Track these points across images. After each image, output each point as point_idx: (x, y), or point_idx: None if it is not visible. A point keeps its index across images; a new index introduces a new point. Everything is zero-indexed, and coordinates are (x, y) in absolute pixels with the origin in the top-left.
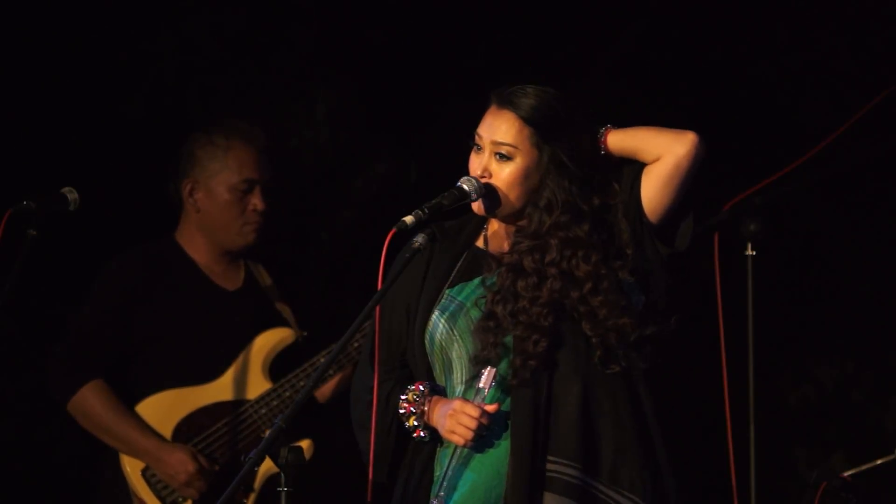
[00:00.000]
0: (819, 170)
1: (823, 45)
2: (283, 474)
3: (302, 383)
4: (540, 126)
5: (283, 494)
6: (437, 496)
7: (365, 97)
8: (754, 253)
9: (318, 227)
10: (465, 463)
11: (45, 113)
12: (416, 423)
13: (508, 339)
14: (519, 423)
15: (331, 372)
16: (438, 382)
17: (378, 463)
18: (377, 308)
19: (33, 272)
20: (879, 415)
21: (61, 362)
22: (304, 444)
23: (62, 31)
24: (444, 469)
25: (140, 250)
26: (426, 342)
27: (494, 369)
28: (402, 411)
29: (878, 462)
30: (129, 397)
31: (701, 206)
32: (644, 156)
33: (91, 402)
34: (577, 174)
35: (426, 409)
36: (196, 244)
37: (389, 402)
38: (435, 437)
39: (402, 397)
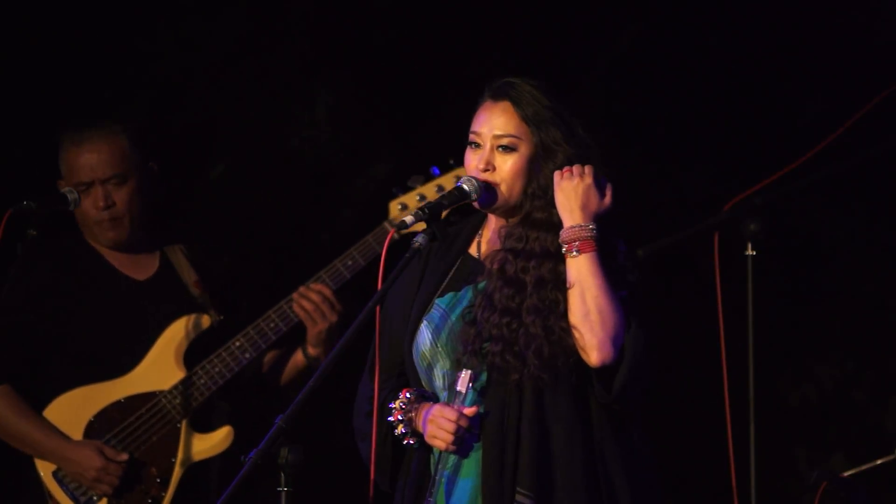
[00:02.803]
0: (819, 170)
1: (823, 44)
2: (282, 474)
3: (217, 369)
4: (536, 115)
5: (283, 494)
6: (426, 501)
7: (365, 97)
8: (754, 253)
9: (318, 227)
10: (454, 468)
11: (45, 113)
12: (404, 431)
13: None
14: (488, 439)
15: (247, 355)
16: (427, 389)
17: (378, 471)
18: (377, 310)
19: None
20: (879, 415)
21: None
22: (223, 431)
23: (62, 31)
24: (433, 474)
25: (43, 248)
26: (413, 350)
27: (470, 371)
28: (390, 419)
29: (878, 462)
30: (42, 397)
31: None
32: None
33: None
34: (567, 162)
35: (413, 416)
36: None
37: (384, 411)
38: (425, 443)
39: (391, 405)
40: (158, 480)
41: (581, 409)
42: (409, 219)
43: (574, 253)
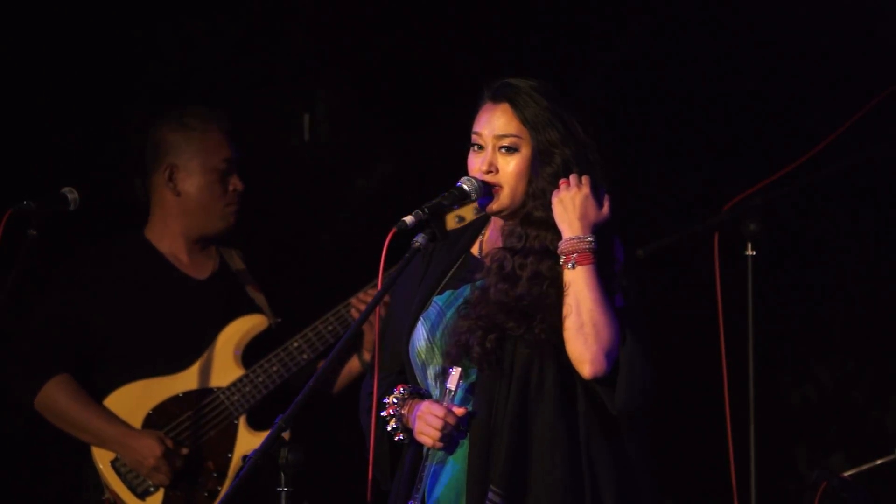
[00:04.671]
0: (819, 170)
1: (824, 45)
2: (283, 474)
3: (275, 368)
4: (535, 117)
5: (282, 494)
6: (412, 497)
7: (365, 97)
8: (754, 253)
9: (318, 227)
10: (441, 463)
11: (45, 113)
12: (395, 426)
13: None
14: (475, 438)
15: (304, 356)
16: (422, 386)
17: (377, 468)
18: (377, 310)
19: (33, 272)
20: (879, 415)
21: (23, 360)
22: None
23: (62, 31)
24: (419, 471)
25: (101, 245)
26: (410, 348)
27: (460, 369)
28: (383, 414)
29: (878, 462)
30: (99, 391)
31: None
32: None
33: (56, 397)
34: (565, 163)
35: (404, 412)
36: (168, 234)
37: (380, 407)
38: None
39: (385, 401)
40: (215, 475)
41: (567, 413)
42: (409, 219)
43: (571, 265)
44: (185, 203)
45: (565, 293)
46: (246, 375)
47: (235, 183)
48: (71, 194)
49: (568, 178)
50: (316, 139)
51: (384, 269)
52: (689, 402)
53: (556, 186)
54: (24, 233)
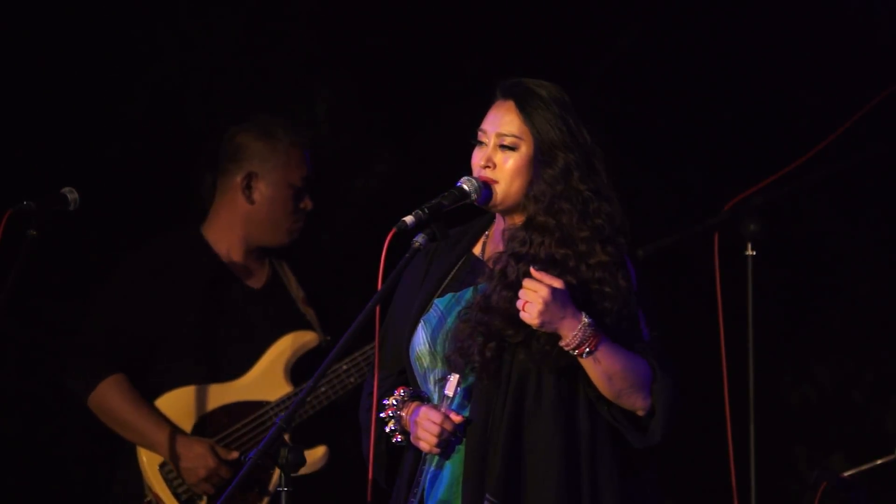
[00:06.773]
0: (819, 170)
1: (823, 45)
2: (283, 474)
3: (322, 389)
4: (540, 118)
5: (283, 494)
6: (410, 500)
7: (365, 97)
8: (754, 253)
9: (318, 227)
10: (439, 467)
11: (45, 113)
12: (393, 428)
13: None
14: (472, 445)
15: (352, 380)
16: (423, 389)
17: (375, 468)
18: (377, 310)
19: (33, 272)
20: (879, 415)
21: (80, 357)
22: (320, 450)
23: (62, 31)
24: (417, 475)
25: (161, 243)
26: (410, 351)
27: (458, 376)
28: (382, 415)
29: (878, 462)
30: (149, 393)
31: None
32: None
33: (110, 397)
34: (567, 167)
35: (403, 414)
36: (228, 238)
37: (380, 408)
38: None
39: (384, 402)
40: (256, 490)
41: (566, 424)
42: (409, 219)
43: (586, 354)
44: (256, 212)
45: (590, 370)
46: (294, 393)
47: (307, 202)
48: (71, 194)
49: (523, 308)
50: (316, 139)
51: (384, 270)
52: (689, 402)
53: (556, 189)
54: (24, 233)
